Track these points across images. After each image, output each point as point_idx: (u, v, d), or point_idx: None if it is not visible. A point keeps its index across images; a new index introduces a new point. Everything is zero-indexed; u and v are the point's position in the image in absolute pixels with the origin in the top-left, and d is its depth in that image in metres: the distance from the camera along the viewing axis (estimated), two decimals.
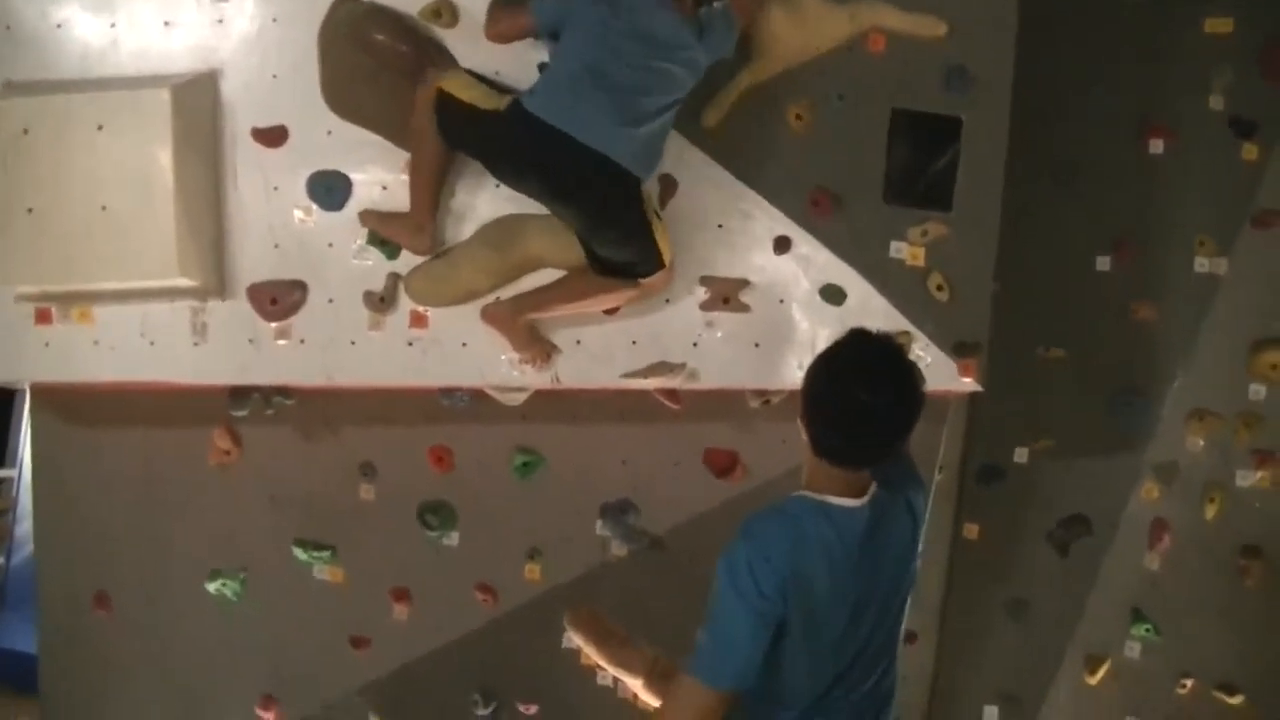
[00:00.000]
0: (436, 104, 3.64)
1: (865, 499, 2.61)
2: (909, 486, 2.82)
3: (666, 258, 3.68)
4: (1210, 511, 4.55)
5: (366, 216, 3.87)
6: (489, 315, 3.82)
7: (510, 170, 3.67)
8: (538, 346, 3.85)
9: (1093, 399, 4.61)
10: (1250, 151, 4.46)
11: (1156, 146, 4.51)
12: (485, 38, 3.71)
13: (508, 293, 3.85)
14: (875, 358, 2.59)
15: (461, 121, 3.63)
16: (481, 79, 3.72)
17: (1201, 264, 4.51)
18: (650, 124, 3.51)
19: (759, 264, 3.88)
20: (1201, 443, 4.56)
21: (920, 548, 2.91)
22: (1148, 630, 4.61)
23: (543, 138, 3.46)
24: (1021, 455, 4.61)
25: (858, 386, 2.51)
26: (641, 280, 3.71)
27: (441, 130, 3.66)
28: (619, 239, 3.62)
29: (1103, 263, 4.55)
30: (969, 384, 3.94)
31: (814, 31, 3.83)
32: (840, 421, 2.55)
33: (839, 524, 2.58)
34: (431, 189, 3.78)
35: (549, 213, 3.75)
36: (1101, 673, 4.66)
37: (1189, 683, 4.62)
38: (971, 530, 4.68)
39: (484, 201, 3.86)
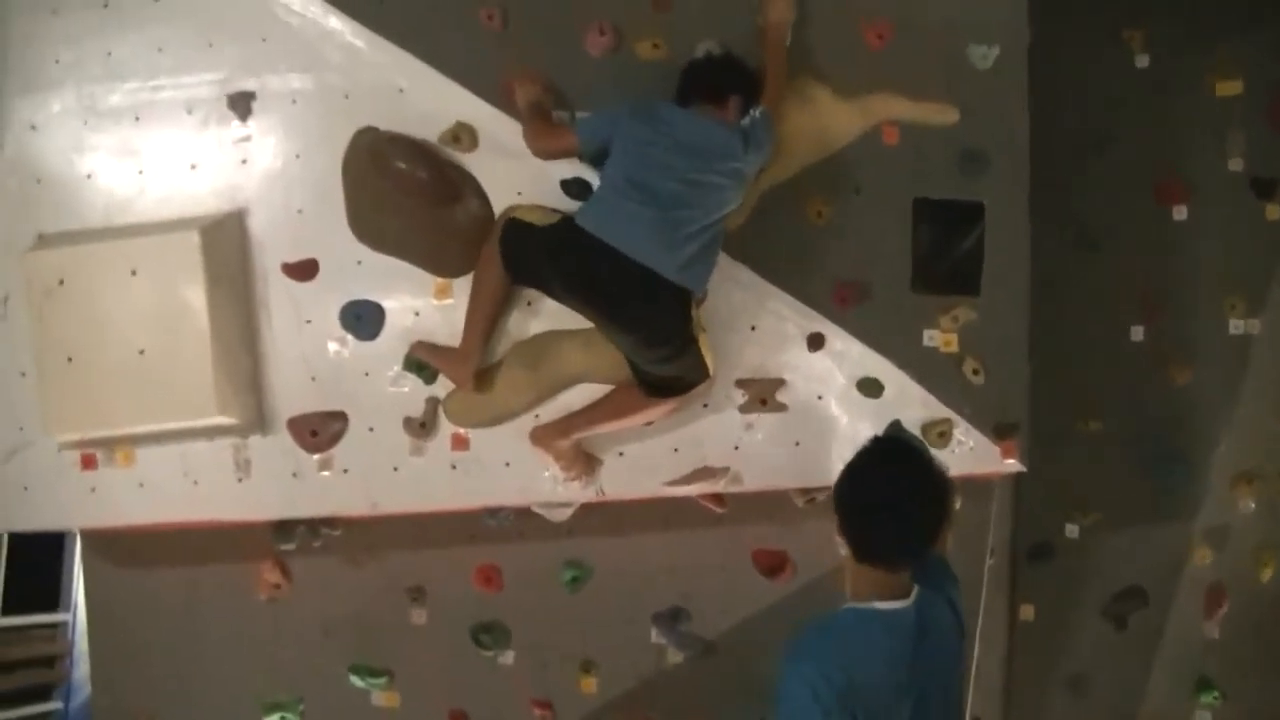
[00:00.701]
0: (504, 229, 3.67)
1: (910, 600, 2.66)
2: (946, 583, 2.87)
3: (711, 369, 3.68)
4: (1266, 573, 4.50)
5: (418, 347, 3.88)
6: (536, 438, 3.82)
7: (561, 285, 3.64)
8: (582, 463, 3.85)
9: (1137, 469, 4.59)
10: (1273, 211, 4.48)
11: (1180, 213, 4.53)
12: (529, 151, 3.72)
13: (548, 409, 3.86)
14: (895, 455, 2.77)
15: (518, 240, 3.64)
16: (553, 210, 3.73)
17: (1236, 326, 4.50)
18: (699, 240, 3.49)
19: (794, 362, 3.87)
20: (1252, 504, 4.51)
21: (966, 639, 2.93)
22: (1215, 698, 4.53)
23: (591, 251, 3.45)
24: (1072, 531, 4.59)
25: (884, 483, 2.66)
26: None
27: (503, 252, 3.66)
28: (669, 355, 3.59)
29: (1136, 332, 4.56)
30: (1012, 465, 3.92)
31: (828, 128, 3.87)
32: (875, 521, 2.64)
33: (890, 627, 2.62)
34: (485, 318, 3.77)
35: (582, 328, 3.76)
36: None
37: None
38: (1027, 611, 4.64)
39: (514, 321, 3.88)
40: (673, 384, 3.67)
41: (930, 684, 2.67)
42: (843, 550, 2.70)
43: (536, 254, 3.62)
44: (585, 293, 3.59)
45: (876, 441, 2.86)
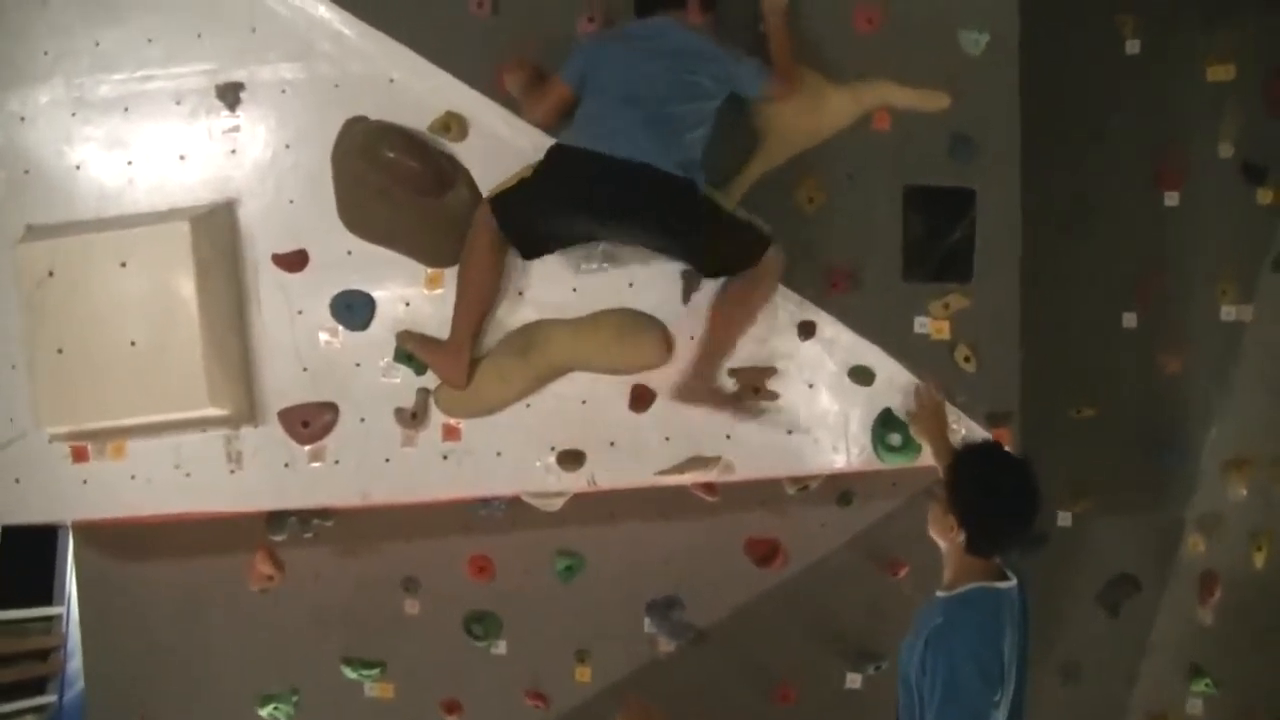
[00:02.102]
0: (494, 212, 3.66)
1: (1014, 580, 3.00)
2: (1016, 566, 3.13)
3: (766, 232, 3.64)
4: (1259, 559, 4.49)
5: (405, 337, 3.87)
6: (686, 397, 3.75)
7: (570, 210, 3.62)
8: (734, 399, 3.80)
9: (1129, 456, 4.59)
10: (1265, 196, 4.46)
11: (1171, 199, 4.52)
12: (534, 126, 3.74)
13: (532, 387, 3.85)
14: (1014, 464, 3.08)
15: (514, 206, 3.64)
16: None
17: (1227, 312, 4.49)
18: (688, 132, 3.53)
19: (785, 350, 3.86)
20: (1244, 490, 4.51)
21: None
22: (1208, 685, 4.54)
23: (583, 165, 3.50)
24: (1065, 519, 4.59)
25: (1014, 489, 2.97)
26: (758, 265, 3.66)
27: (507, 231, 3.67)
28: (699, 244, 3.60)
29: (1129, 319, 4.55)
30: None
31: (821, 114, 3.86)
32: (1007, 520, 2.98)
33: (1009, 603, 2.95)
34: (475, 312, 3.78)
35: (572, 317, 3.78)
36: None
37: None
38: None
39: (504, 310, 3.86)
40: (734, 264, 3.65)
41: (1024, 651, 3.02)
42: (943, 542, 3.02)
43: (538, 200, 3.62)
44: (595, 206, 3.57)
45: (993, 450, 3.22)
